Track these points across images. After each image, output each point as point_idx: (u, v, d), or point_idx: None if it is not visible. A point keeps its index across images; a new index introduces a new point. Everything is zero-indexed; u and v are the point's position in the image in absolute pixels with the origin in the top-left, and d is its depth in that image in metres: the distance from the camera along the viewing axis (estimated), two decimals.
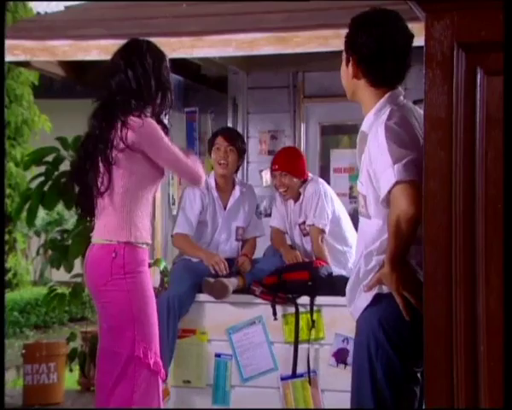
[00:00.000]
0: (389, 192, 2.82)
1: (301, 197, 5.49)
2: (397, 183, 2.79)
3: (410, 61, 3.06)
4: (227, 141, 5.33)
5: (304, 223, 5.51)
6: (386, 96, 3.02)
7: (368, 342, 2.95)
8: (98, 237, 3.74)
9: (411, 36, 3.05)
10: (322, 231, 5.40)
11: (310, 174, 5.54)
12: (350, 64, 3.04)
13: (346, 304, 3.11)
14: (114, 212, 3.69)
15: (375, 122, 2.98)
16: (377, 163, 2.88)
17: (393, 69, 3.03)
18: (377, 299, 2.95)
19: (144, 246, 3.74)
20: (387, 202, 2.85)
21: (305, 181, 5.47)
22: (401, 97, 3.07)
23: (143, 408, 3.68)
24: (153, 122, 3.72)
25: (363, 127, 3.05)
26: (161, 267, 4.53)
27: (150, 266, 4.08)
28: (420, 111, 3.17)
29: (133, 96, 3.70)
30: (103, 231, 3.72)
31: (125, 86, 3.72)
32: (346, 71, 3.08)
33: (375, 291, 2.94)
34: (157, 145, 3.71)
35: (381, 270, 2.90)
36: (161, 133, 3.73)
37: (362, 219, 3.09)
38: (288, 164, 5.45)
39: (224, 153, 5.30)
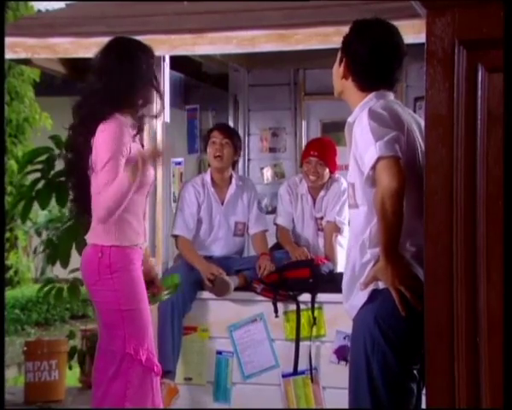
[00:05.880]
0: (372, 169, 2.87)
1: (324, 192, 5.51)
2: (379, 159, 2.85)
3: (399, 75, 3.19)
4: (222, 134, 5.35)
5: (322, 218, 5.53)
6: (374, 92, 3.10)
7: (364, 339, 2.96)
8: (88, 237, 3.75)
9: (405, 52, 3.17)
10: (338, 230, 5.41)
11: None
12: (342, 64, 3.15)
13: (342, 300, 3.12)
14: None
15: (360, 113, 3.06)
16: (361, 144, 2.95)
17: (381, 77, 3.13)
18: (373, 296, 2.96)
19: (134, 245, 3.72)
20: (372, 180, 2.90)
21: (330, 177, 5.50)
22: (391, 97, 3.15)
23: (143, 408, 3.68)
24: (113, 130, 3.60)
25: (350, 118, 3.13)
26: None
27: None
28: (408, 110, 3.26)
29: (107, 99, 3.64)
30: (91, 233, 3.73)
31: (100, 88, 3.67)
32: (337, 70, 3.19)
33: (371, 288, 2.96)
34: (100, 155, 3.59)
35: (376, 265, 2.92)
36: (113, 147, 3.57)
37: (350, 212, 3.14)
38: (327, 154, 5.48)
39: (220, 146, 5.30)
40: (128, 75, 3.67)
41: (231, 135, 5.43)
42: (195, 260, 5.18)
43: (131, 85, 3.68)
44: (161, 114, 3.97)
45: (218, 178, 5.38)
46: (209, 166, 5.48)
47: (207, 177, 5.37)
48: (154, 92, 3.81)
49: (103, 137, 3.60)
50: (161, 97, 3.94)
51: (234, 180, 5.42)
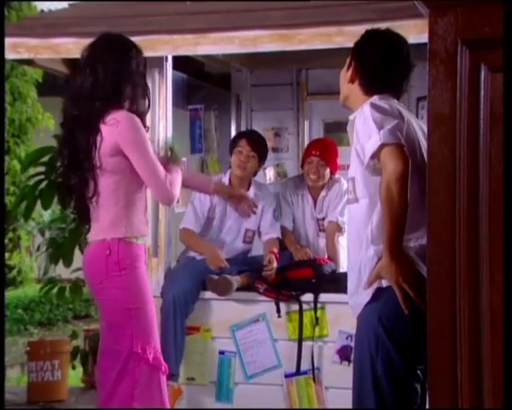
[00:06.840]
0: (374, 156, 2.90)
1: (325, 193, 5.50)
2: (383, 146, 2.87)
3: (405, 85, 3.25)
4: (250, 146, 5.28)
5: (323, 219, 5.52)
6: (378, 95, 3.14)
7: (368, 338, 2.96)
8: (94, 235, 3.72)
9: (412, 64, 3.23)
10: (340, 230, 5.40)
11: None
12: (350, 69, 3.21)
13: (348, 297, 3.12)
14: (108, 210, 3.65)
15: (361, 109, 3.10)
16: (363, 134, 2.97)
17: (386, 82, 3.18)
18: (377, 294, 2.96)
19: (140, 241, 3.70)
20: (373, 167, 2.92)
21: (330, 178, 5.50)
22: (394, 101, 3.17)
23: (148, 409, 3.67)
24: (132, 121, 3.60)
25: (351, 116, 3.17)
26: None
27: None
28: (411, 114, 3.30)
29: (102, 96, 3.62)
30: (98, 230, 3.69)
31: (92, 86, 3.64)
32: (345, 74, 3.25)
33: (375, 286, 2.96)
34: (133, 147, 3.60)
35: (379, 262, 2.92)
36: (140, 134, 3.61)
37: (350, 207, 3.15)
38: (328, 155, 5.47)
39: (246, 158, 5.25)
40: (117, 68, 3.64)
41: (259, 148, 5.34)
42: (201, 247, 5.19)
43: (119, 80, 3.64)
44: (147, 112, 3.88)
45: (237, 183, 5.30)
46: (229, 167, 5.45)
47: (226, 179, 5.31)
48: (145, 90, 3.76)
49: (123, 127, 3.57)
50: (148, 98, 3.86)
51: (252, 189, 5.35)
